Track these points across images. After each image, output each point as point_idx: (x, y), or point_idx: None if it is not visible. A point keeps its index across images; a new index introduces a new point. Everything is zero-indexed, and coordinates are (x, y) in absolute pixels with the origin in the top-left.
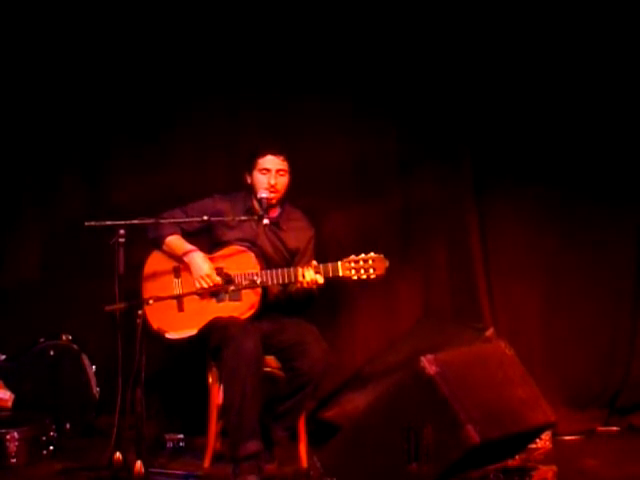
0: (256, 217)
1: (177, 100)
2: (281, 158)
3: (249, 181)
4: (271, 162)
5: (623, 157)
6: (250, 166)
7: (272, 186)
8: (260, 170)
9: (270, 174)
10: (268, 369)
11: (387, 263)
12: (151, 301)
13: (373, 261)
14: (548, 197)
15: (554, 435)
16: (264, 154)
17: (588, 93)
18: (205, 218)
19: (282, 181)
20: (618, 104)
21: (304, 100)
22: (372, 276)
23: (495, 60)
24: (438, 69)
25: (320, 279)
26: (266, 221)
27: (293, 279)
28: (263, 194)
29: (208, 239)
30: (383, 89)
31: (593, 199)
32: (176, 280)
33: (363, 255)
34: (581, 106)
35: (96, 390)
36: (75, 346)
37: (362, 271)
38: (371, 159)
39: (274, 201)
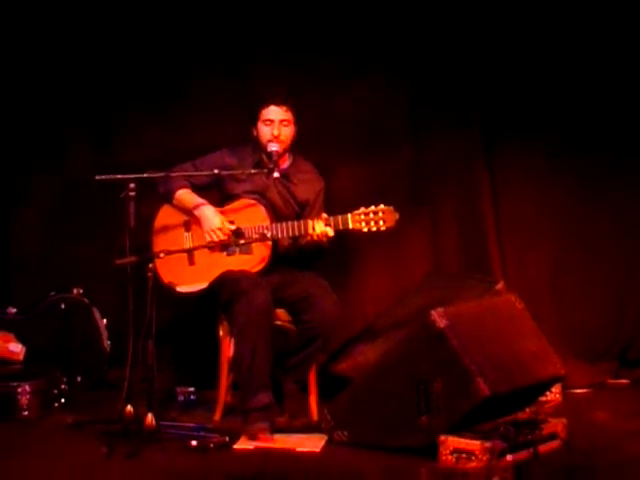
0: (266, 170)
1: (186, 58)
2: (284, 108)
3: (255, 134)
4: (274, 113)
5: (635, 115)
6: (255, 118)
7: (276, 137)
8: (264, 121)
9: (274, 125)
10: (278, 322)
11: (397, 215)
12: (162, 254)
13: (383, 213)
14: (559, 155)
15: (564, 388)
16: (267, 105)
17: (596, 52)
18: (215, 172)
19: (286, 132)
20: (626, 61)
21: (317, 57)
22: (382, 228)
23: (504, 21)
24: (448, 31)
25: (330, 231)
26: (276, 174)
27: (303, 232)
28: (273, 147)
29: (218, 193)
30: (395, 48)
31: (605, 156)
32: (187, 234)
33: (373, 207)
34: (589, 66)
35: (107, 343)
36: (86, 300)
37: (372, 223)
38: (382, 115)
39: (280, 151)
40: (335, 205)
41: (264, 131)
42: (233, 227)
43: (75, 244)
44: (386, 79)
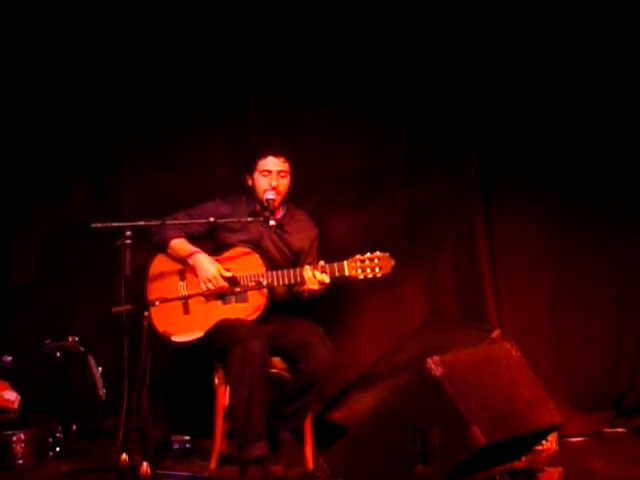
0: (262, 219)
1: (183, 103)
2: (282, 159)
3: (250, 183)
4: (272, 164)
5: (632, 160)
6: (251, 168)
7: (273, 188)
8: (261, 172)
9: (271, 176)
10: (274, 370)
11: (393, 262)
12: (157, 302)
13: (379, 260)
14: (555, 199)
15: (560, 437)
16: (265, 155)
17: (596, 96)
18: (211, 220)
19: (283, 183)
20: (625, 106)
21: (313, 103)
22: (378, 275)
23: (503, 63)
24: (446, 73)
25: (326, 279)
26: (272, 222)
27: (299, 279)
28: (269, 195)
29: (211, 243)
30: (392, 93)
31: (601, 202)
32: (181, 283)
33: (369, 254)
34: (588, 109)
35: (102, 391)
36: (81, 348)
37: (368, 270)
38: (378, 161)
39: (276, 203)
40: (332, 252)
41: (261, 181)
42: (229, 274)
43: (72, 291)
44: (383, 124)
